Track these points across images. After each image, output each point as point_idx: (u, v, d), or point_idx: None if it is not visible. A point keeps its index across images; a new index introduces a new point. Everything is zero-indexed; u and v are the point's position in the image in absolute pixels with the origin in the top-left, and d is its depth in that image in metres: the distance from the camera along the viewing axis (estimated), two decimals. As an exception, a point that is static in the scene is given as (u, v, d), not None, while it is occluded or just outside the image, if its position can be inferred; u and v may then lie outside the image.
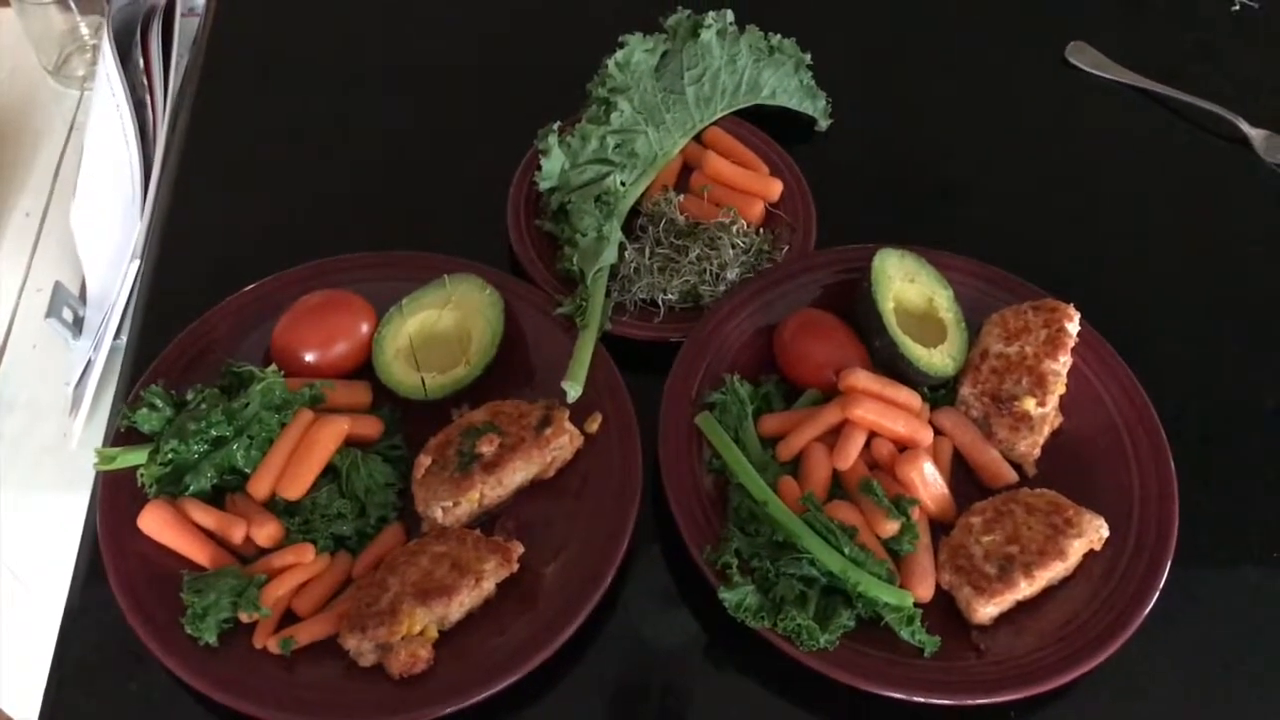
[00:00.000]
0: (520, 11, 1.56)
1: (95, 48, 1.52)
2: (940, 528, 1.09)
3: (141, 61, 1.42)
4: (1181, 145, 1.46)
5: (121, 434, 1.07)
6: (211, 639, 0.97)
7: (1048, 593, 1.05)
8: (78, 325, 1.31)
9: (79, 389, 1.28)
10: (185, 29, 1.50)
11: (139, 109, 1.39)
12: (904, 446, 1.11)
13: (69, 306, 1.30)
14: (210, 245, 1.31)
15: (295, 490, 1.04)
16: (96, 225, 1.38)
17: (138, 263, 1.28)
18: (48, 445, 1.29)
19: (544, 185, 1.25)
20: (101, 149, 1.38)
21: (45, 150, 1.54)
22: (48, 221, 1.47)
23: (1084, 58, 1.53)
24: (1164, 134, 1.47)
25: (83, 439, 1.27)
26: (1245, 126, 1.45)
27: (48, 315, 1.28)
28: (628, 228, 1.26)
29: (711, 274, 1.23)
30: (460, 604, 1.00)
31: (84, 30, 1.58)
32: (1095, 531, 1.05)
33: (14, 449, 1.29)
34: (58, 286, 1.30)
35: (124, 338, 1.26)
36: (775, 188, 1.30)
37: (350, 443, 1.08)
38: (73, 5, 1.53)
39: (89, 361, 1.28)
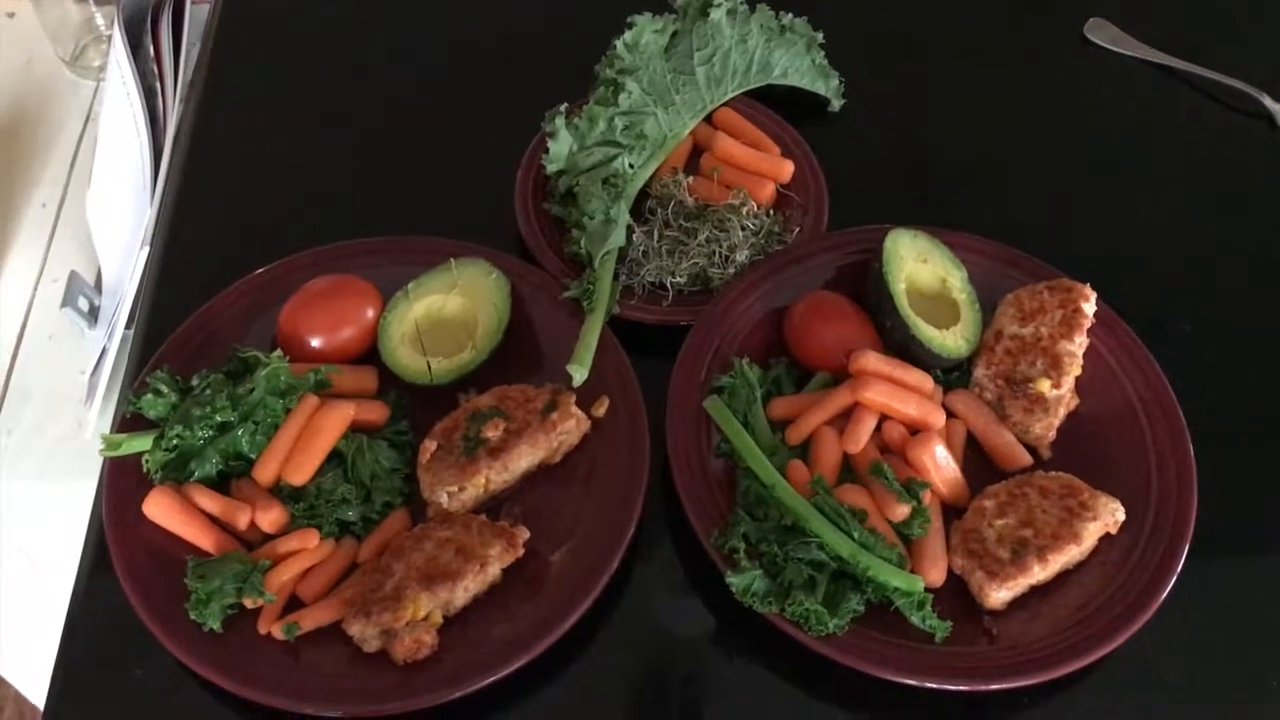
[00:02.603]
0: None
1: (110, 38, 1.52)
2: (953, 511, 1.07)
3: (152, 49, 1.43)
4: (1203, 122, 1.43)
5: (128, 420, 1.07)
6: (216, 625, 0.96)
7: (1062, 577, 1.03)
8: (93, 314, 1.32)
9: (94, 378, 1.28)
10: (195, 17, 1.50)
11: (149, 97, 1.39)
12: (916, 429, 1.09)
13: (84, 296, 1.31)
14: (218, 232, 1.31)
15: (300, 476, 1.04)
16: (111, 214, 1.38)
17: (147, 250, 1.28)
18: (64, 434, 1.30)
19: (551, 168, 1.24)
20: (114, 138, 1.38)
21: (61, 141, 1.54)
22: (64, 212, 1.47)
23: (1103, 34, 1.50)
24: (1185, 111, 1.44)
25: (98, 427, 1.27)
26: (1269, 102, 1.42)
27: (63, 305, 1.28)
28: (636, 210, 1.25)
29: (721, 256, 1.21)
30: (465, 590, 0.99)
31: (100, 21, 1.58)
32: (1111, 515, 1.03)
33: (31, 438, 1.30)
34: (73, 276, 1.31)
35: (134, 326, 1.26)
36: (786, 169, 1.28)
37: (356, 428, 1.08)
38: (89, -4, 1.54)
39: (103, 350, 1.28)
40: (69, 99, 1.58)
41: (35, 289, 1.41)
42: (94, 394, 1.28)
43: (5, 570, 1.38)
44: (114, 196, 1.38)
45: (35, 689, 1.58)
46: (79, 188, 1.47)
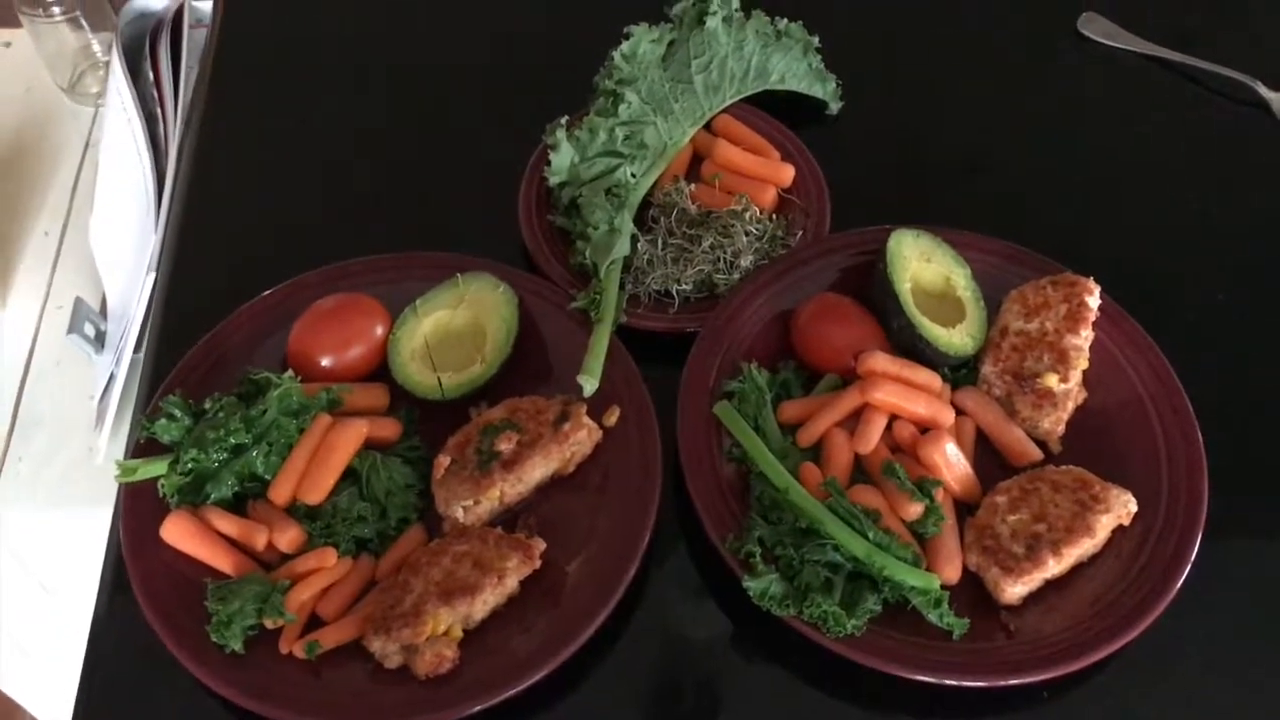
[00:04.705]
0: (524, 6, 1.56)
1: (109, 64, 1.53)
2: (965, 509, 1.08)
3: (151, 75, 1.43)
4: (1199, 112, 1.44)
5: (142, 445, 1.07)
6: (237, 646, 0.97)
7: (1077, 570, 1.04)
8: (99, 340, 1.32)
9: (103, 403, 1.29)
10: (194, 40, 1.51)
11: (150, 122, 1.40)
12: (926, 428, 1.10)
13: (90, 322, 1.31)
14: (224, 254, 1.31)
15: (316, 495, 1.04)
16: (114, 240, 1.38)
17: (154, 275, 1.29)
18: (74, 460, 1.30)
19: (554, 180, 1.25)
20: (115, 164, 1.39)
21: (62, 169, 1.55)
22: (67, 239, 1.48)
23: (1096, 28, 1.51)
24: (1180, 102, 1.45)
25: (108, 453, 1.27)
26: (1263, 90, 1.42)
27: (69, 331, 1.28)
28: (640, 219, 1.25)
29: (725, 262, 1.22)
30: (484, 603, 1.00)
31: (96, 47, 1.59)
32: (1123, 507, 1.04)
33: (42, 465, 1.30)
34: (78, 302, 1.31)
35: (143, 351, 1.26)
36: (787, 173, 1.29)
37: (369, 445, 1.08)
38: (84, 23, 1.54)
39: (111, 375, 1.29)
40: (68, 126, 1.59)
41: (41, 316, 1.41)
42: (104, 419, 1.28)
43: (19, 597, 1.38)
44: (117, 222, 1.39)
45: (52, 715, 1.58)
46: (81, 215, 1.48)
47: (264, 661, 0.98)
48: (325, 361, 1.12)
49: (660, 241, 1.23)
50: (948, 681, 0.97)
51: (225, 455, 1.05)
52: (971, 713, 1.01)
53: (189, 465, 1.04)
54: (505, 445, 1.06)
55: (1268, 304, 1.27)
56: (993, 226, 1.22)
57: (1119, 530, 1.05)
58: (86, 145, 1.56)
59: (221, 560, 1.02)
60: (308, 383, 1.10)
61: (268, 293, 1.18)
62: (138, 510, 1.04)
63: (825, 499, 1.03)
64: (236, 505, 1.06)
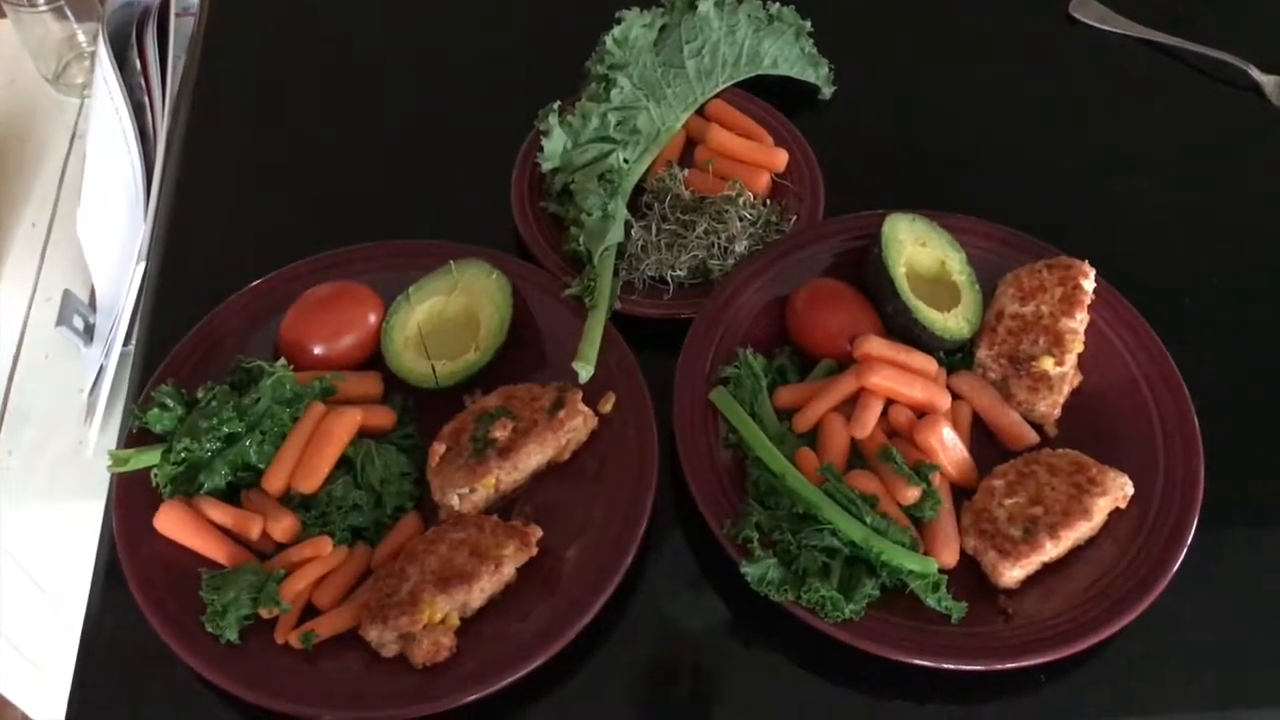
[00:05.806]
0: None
1: (94, 54, 1.51)
2: (962, 493, 1.08)
3: (138, 64, 1.42)
4: (1191, 95, 1.44)
5: (134, 435, 1.06)
6: (233, 636, 0.96)
7: (1074, 553, 1.04)
8: (88, 332, 1.31)
9: (92, 396, 1.28)
10: (180, 29, 1.50)
11: (138, 111, 1.38)
12: (922, 412, 1.09)
13: (79, 314, 1.30)
14: (215, 244, 1.30)
15: (310, 484, 1.04)
16: (102, 231, 1.37)
17: (143, 265, 1.28)
18: (64, 454, 1.29)
19: (546, 166, 1.24)
20: (103, 154, 1.37)
21: (48, 160, 1.53)
22: (54, 230, 1.46)
23: (1088, 12, 1.51)
24: (1173, 85, 1.45)
25: (99, 445, 1.26)
26: (1255, 73, 1.42)
27: (58, 324, 1.27)
28: (633, 205, 1.25)
29: (720, 248, 1.21)
30: (481, 591, 0.99)
31: (81, 38, 1.57)
32: (1120, 489, 1.04)
33: (31, 458, 1.29)
34: (66, 294, 1.30)
35: (133, 343, 1.25)
36: (780, 158, 1.28)
37: (363, 434, 1.07)
38: (69, 13, 1.53)
39: (101, 367, 1.28)
40: (54, 117, 1.57)
41: (29, 309, 1.40)
42: (94, 412, 1.27)
43: (10, 591, 1.37)
44: (105, 213, 1.38)
45: (42, 710, 1.57)
46: (68, 206, 1.47)
47: (259, 651, 0.97)
48: (318, 350, 1.12)
49: (654, 227, 1.23)
50: (946, 665, 0.97)
51: (218, 444, 1.04)
52: (970, 696, 1.00)
53: (182, 455, 1.03)
54: (500, 433, 1.06)
55: (1262, 287, 1.27)
56: (987, 211, 1.22)
57: (1116, 513, 1.05)
58: (73, 136, 1.55)
59: (216, 550, 1.01)
60: (301, 371, 1.09)
61: (259, 281, 1.17)
62: (131, 501, 1.03)
63: (822, 484, 1.02)
64: (230, 495, 1.05)
